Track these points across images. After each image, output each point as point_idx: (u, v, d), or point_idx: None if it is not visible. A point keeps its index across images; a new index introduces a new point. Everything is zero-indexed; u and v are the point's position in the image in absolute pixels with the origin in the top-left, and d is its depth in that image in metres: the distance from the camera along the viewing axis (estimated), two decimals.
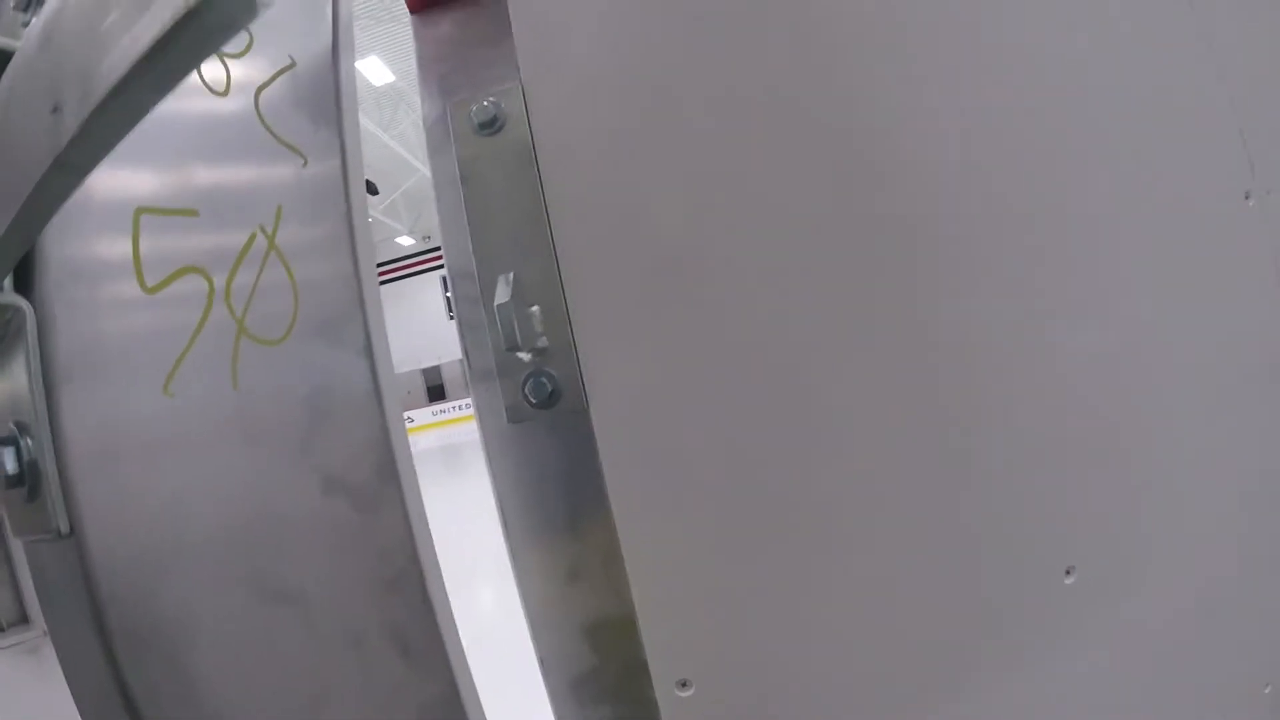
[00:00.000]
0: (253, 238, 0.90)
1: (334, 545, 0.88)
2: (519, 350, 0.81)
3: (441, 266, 26.21)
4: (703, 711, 0.93)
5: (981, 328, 0.91)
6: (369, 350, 0.88)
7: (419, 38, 1.00)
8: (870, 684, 0.93)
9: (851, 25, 0.90)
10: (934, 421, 0.91)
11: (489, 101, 0.89)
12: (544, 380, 0.85)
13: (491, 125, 0.89)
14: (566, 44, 0.90)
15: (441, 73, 0.98)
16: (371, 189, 27.63)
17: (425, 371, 35.13)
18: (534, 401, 0.85)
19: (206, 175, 0.95)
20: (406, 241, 34.55)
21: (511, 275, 0.81)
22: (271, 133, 0.91)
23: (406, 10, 1.00)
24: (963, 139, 0.92)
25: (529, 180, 0.88)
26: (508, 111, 0.89)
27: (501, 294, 0.79)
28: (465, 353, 0.91)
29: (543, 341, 0.85)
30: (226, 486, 0.92)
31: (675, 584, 0.91)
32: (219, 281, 0.91)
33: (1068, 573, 0.92)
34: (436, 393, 35.18)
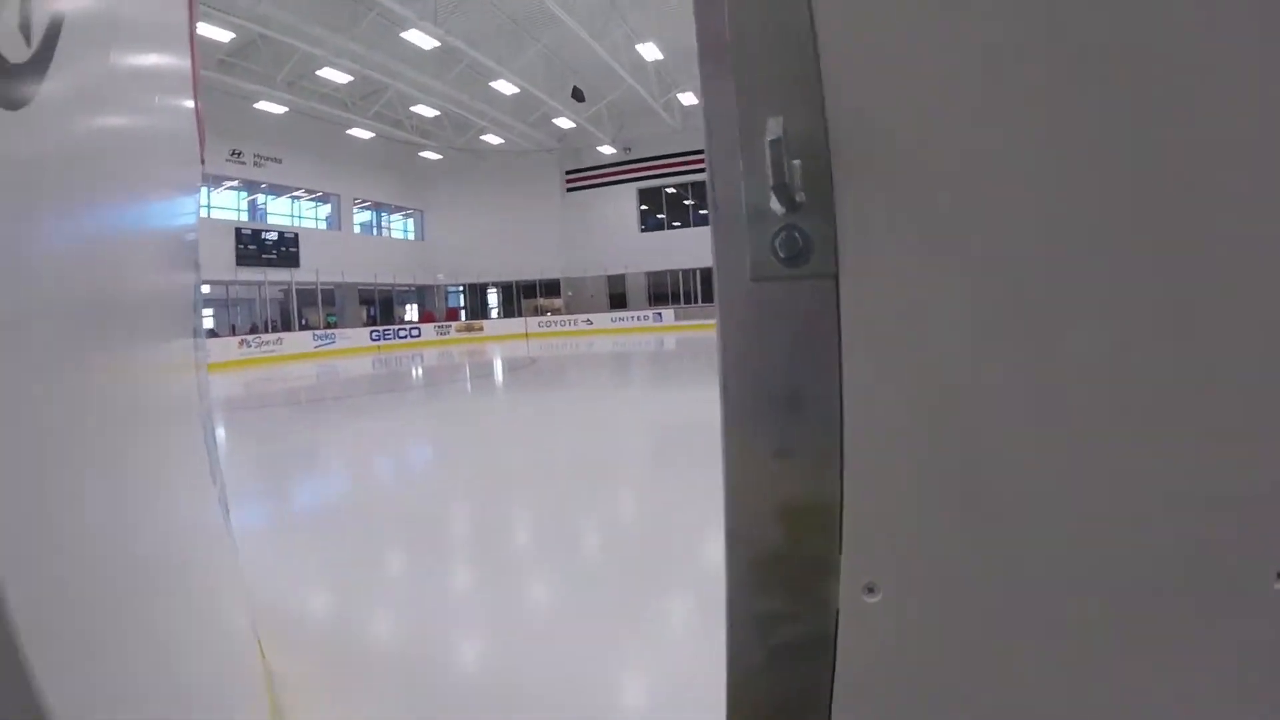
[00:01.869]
0: None
1: None
2: (786, 192, 0.76)
3: (638, 179, 26.55)
4: (884, 622, 0.89)
5: None
6: None
7: None
8: (1057, 637, 0.87)
9: None
10: (1183, 385, 0.81)
11: None
12: (796, 235, 0.80)
13: None
14: None
15: None
16: (579, 95, 27.91)
17: (610, 278, 35.81)
18: (783, 256, 0.81)
19: None
20: (608, 150, 34.90)
21: (782, 119, 0.75)
22: None
23: None
24: None
25: (802, 19, 0.82)
26: None
27: (773, 130, 0.73)
28: (713, 203, 0.87)
29: (800, 197, 0.80)
30: None
31: (890, 479, 0.87)
32: None
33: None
34: (618, 300, 35.91)
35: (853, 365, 0.84)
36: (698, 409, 9.63)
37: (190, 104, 2.01)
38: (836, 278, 0.83)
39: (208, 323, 27.70)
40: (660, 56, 25.72)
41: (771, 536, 0.90)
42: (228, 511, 2.48)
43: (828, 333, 0.84)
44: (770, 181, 0.75)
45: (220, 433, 10.28)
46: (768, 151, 0.73)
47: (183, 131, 2.05)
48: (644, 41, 24.62)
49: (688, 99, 29.98)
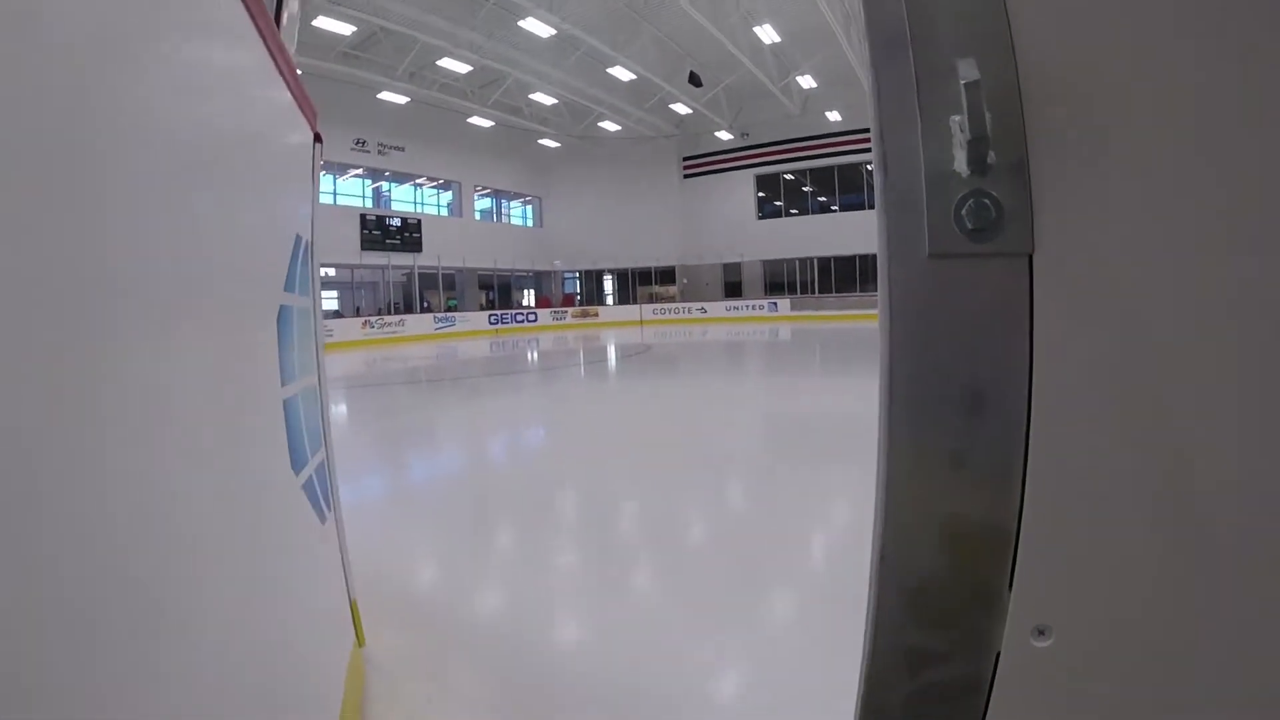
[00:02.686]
0: None
1: None
2: (982, 147, 0.62)
3: (756, 165, 26.36)
4: (1052, 672, 0.75)
5: None
6: None
7: None
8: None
9: None
10: None
11: None
12: (986, 203, 0.66)
13: None
14: None
15: None
16: (695, 80, 27.72)
17: (725, 266, 35.52)
18: (970, 228, 0.67)
19: None
20: (725, 136, 34.57)
21: (974, 60, 0.61)
22: None
23: None
24: None
25: None
26: None
27: (966, 72, 0.60)
28: (883, 166, 0.73)
29: (992, 157, 0.66)
30: None
31: (1080, 503, 0.71)
32: None
33: None
34: (733, 289, 35.56)
35: (1045, 363, 0.69)
36: (813, 401, 9.49)
37: (269, 88, 1.97)
38: (1031, 257, 0.69)
39: (332, 304, 28.83)
40: (778, 39, 25.27)
41: (930, 560, 0.77)
42: (326, 492, 2.49)
43: (1017, 322, 0.69)
44: (965, 135, 0.61)
45: (341, 408, 10.60)
46: (963, 95, 0.59)
47: (270, 116, 2.04)
48: (761, 24, 24.24)
49: (807, 82, 29.40)
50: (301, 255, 2.33)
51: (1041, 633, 0.74)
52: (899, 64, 0.70)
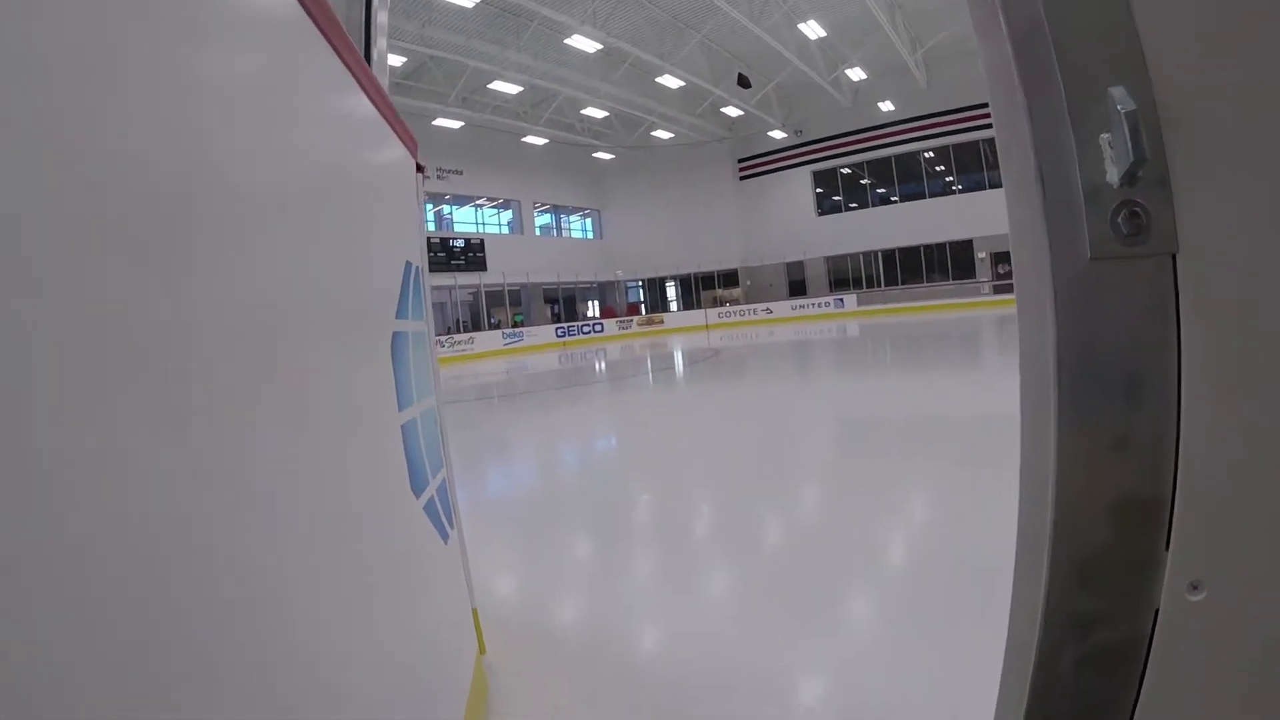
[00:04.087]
0: None
1: None
2: (1141, 164, 0.69)
3: (812, 161, 26.11)
4: (1206, 622, 0.83)
5: None
6: None
7: None
8: None
9: None
10: None
11: None
12: (1137, 210, 0.73)
13: None
14: None
15: None
16: (744, 82, 27.71)
17: (789, 265, 35.35)
18: (1125, 233, 0.75)
19: None
20: (778, 135, 34.49)
21: (1124, 89, 0.68)
22: None
23: None
24: None
25: None
26: None
27: (1123, 101, 0.67)
28: (1040, 179, 0.80)
29: (1141, 171, 0.73)
30: None
31: (1227, 473, 0.79)
32: None
33: None
34: (797, 287, 35.36)
35: (1191, 350, 0.78)
36: (892, 400, 9.38)
37: (371, 123, 2.07)
38: (1175, 256, 0.76)
39: None
40: (823, 33, 25.17)
41: (1097, 531, 0.85)
42: (448, 510, 2.55)
43: (1167, 315, 0.77)
44: (1123, 154, 0.69)
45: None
46: (1123, 123, 0.67)
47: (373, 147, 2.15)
48: (805, 20, 24.20)
49: (856, 74, 29.24)
50: (412, 281, 2.40)
51: (1195, 587, 0.82)
52: (1052, 91, 0.78)
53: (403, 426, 2.02)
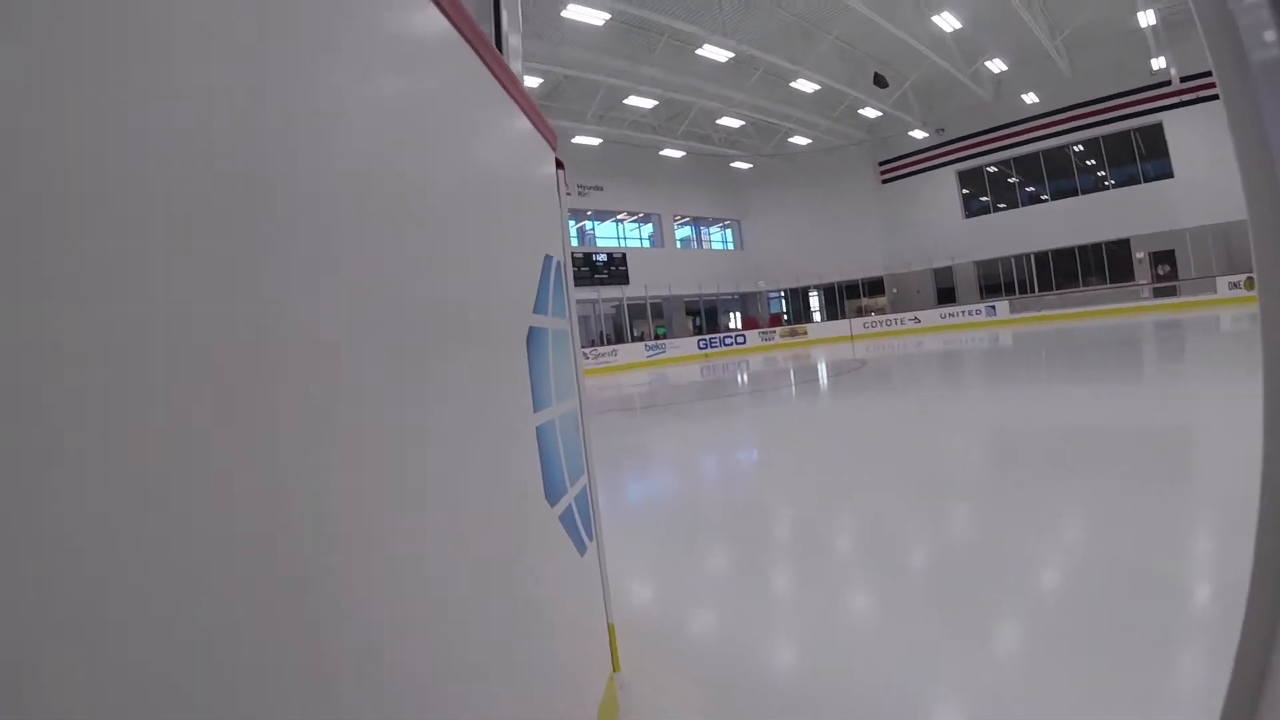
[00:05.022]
0: None
1: None
2: None
3: (956, 161, 25.32)
4: None
5: None
6: None
7: None
8: None
9: None
10: None
11: None
12: None
13: None
14: None
15: None
16: (880, 81, 27.11)
17: (936, 272, 34.25)
18: None
19: None
20: (919, 135, 33.53)
21: None
22: None
23: None
24: None
25: None
26: None
27: None
28: None
29: None
30: None
31: None
32: None
33: None
34: (946, 295, 34.16)
35: None
36: (1050, 413, 8.89)
37: (500, 113, 2.00)
38: None
39: None
40: (959, 25, 24.20)
41: None
42: (587, 520, 2.48)
43: None
44: None
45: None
46: None
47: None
48: (939, 12, 23.39)
49: (996, 66, 28.11)
50: (554, 276, 2.33)
51: None
52: None
53: (538, 429, 1.94)
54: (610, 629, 2.77)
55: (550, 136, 2.57)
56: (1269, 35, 0.73)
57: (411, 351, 1.18)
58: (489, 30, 2.93)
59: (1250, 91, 0.75)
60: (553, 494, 2.02)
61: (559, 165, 2.70)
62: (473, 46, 1.68)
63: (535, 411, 1.94)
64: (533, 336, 1.99)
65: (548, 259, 2.29)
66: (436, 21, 1.47)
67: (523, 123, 2.22)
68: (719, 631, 3.47)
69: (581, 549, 2.34)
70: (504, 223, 1.90)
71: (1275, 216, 0.75)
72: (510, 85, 2.01)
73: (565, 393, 2.38)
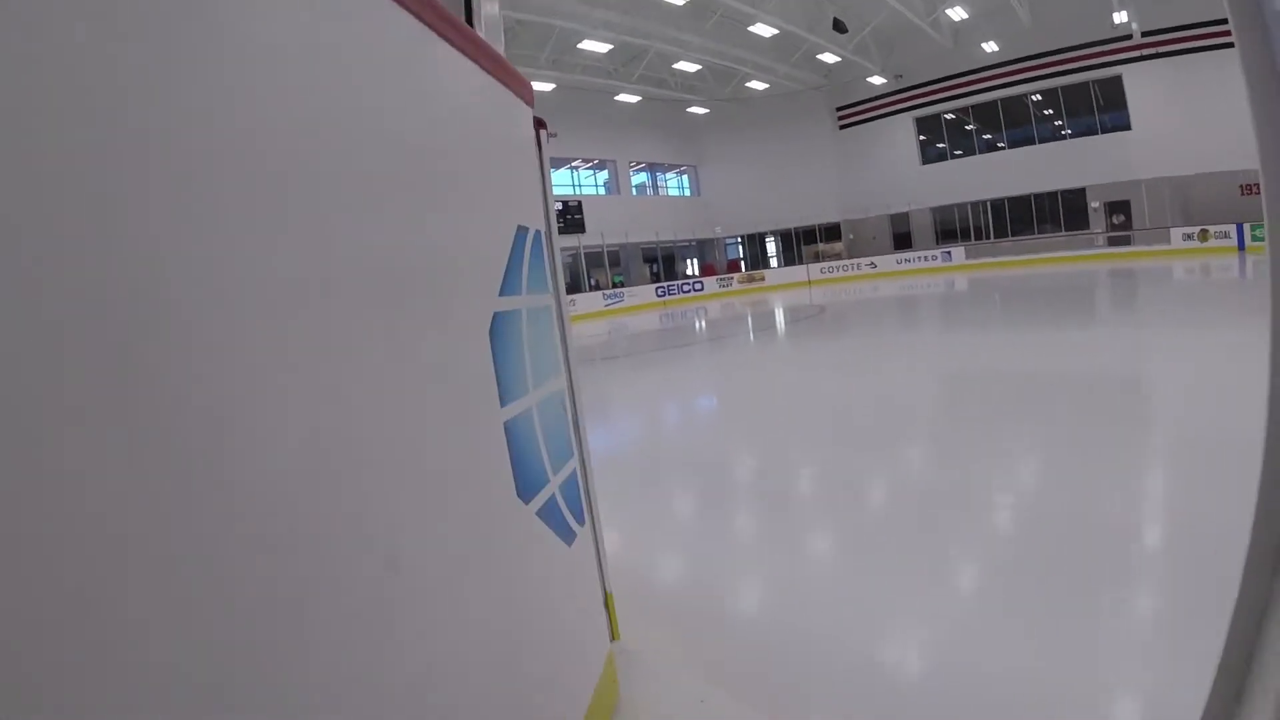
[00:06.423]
0: None
1: None
2: None
3: (914, 107, 25.39)
4: None
5: None
6: None
7: None
8: None
9: None
10: None
11: None
12: None
13: None
14: None
15: None
16: (840, 26, 26.89)
17: (893, 218, 34.38)
18: None
19: None
20: (878, 81, 33.38)
21: None
22: None
23: None
24: None
25: None
26: None
27: None
28: None
29: None
30: None
31: None
32: None
33: None
34: (902, 240, 34.31)
35: None
36: (998, 355, 9.06)
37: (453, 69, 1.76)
38: None
39: None
40: None
41: None
42: (575, 506, 2.33)
43: None
44: None
45: None
46: None
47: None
48: None
49: (957, 14, 28.00)
50: (529, 249, 2.15)
51: None
52: None
53: (507, 424, 1.80)
54: (609, 598, 2.75)
55: (526, 92, 2.32)
56: None
57: (336, 349, 1.09)
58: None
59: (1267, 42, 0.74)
60: (528, 490, 1.89)
61: (539, 125, 2.49)
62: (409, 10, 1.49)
63: (504, 405, 1.79)
64: (499, 322, 1.82)
65: (521, 231, 2.09)
66: None
67: (481, 78, 1.95)
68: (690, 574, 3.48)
69: (568, 538, 2.22)
70: (457, 196, 1.71)
71: None
72: (464, 39, 1.77)
73: (548, 374, 2.23)
